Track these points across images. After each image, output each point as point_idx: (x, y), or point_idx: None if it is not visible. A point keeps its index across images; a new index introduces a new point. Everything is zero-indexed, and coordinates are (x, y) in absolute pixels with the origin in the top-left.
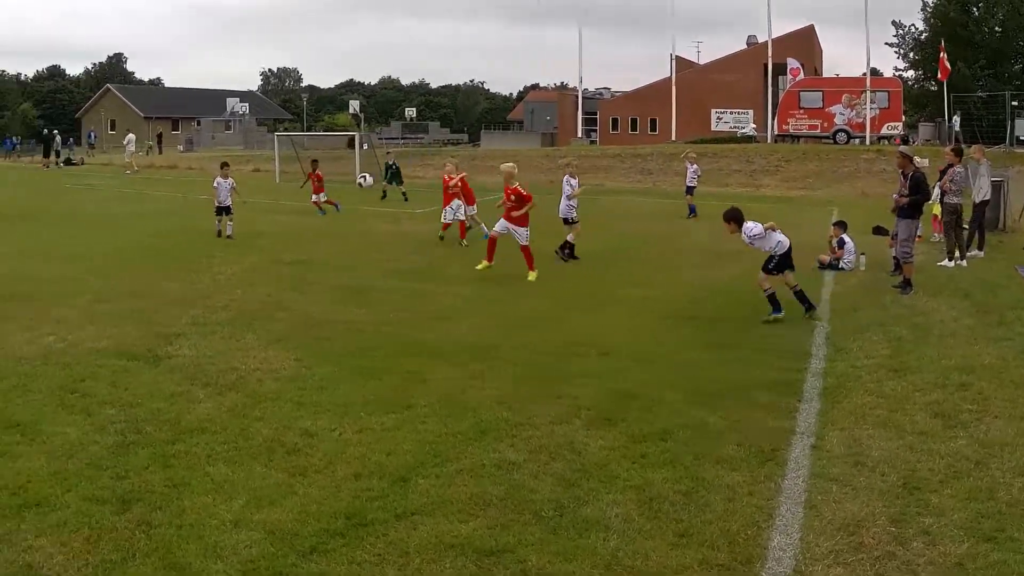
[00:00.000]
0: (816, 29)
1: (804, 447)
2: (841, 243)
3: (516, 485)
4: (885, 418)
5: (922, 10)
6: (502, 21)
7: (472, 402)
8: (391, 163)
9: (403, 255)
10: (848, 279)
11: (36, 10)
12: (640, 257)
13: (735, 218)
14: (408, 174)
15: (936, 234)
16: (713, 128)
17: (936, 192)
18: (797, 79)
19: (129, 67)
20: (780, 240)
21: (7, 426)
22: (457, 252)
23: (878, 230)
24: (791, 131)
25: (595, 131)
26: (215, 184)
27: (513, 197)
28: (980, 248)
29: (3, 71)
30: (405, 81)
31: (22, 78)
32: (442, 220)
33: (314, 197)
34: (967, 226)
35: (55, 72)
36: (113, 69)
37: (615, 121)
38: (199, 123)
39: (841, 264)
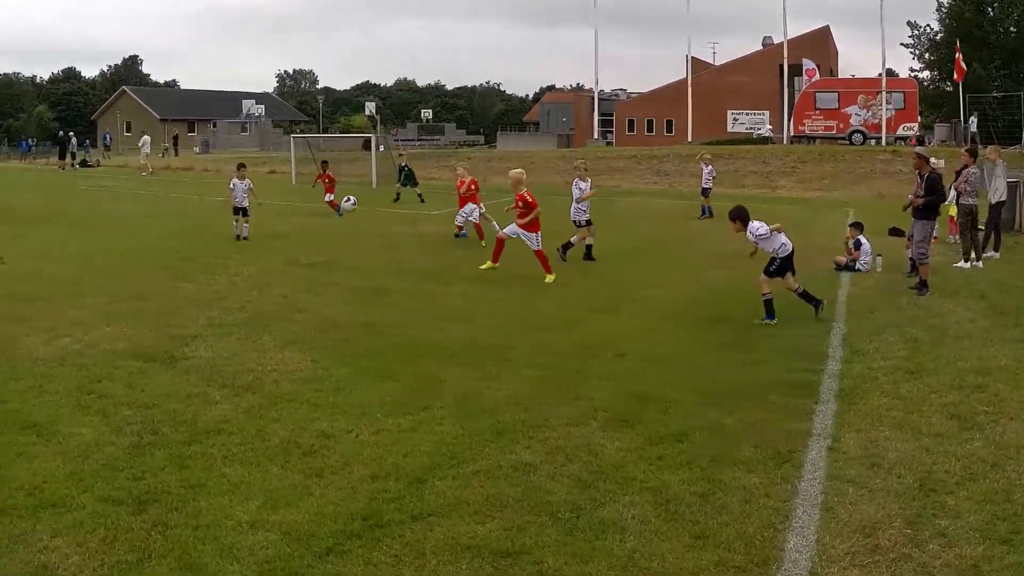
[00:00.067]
0: (832, 30)
1: (821, 449)
2: (857, 244)
3: (533, 486)
4: (901, 420)
5: (937, 10)
6: (518, 22)
7: (489, 403)
8: (404, 165)
9: (420, 257)
10: (864, 280)
11: (52, 13)
12: (657, 258)
13: (740, 216)
14: (425, 176)
15: (952, 235)
16: (729, 129)
17: (952, 194)
18: (813, 80)
19: (145, 69)
20: (784, 242)
21: (23, 427)
22: (474, 254)
23: (894, 231)
24: (807, 132)
25: (611, 132)
26: (231, 185)
27: (520, 204)
28: (996, 249)
29: (18, 73)
30: (421, 82)
31: (37, 80)
32: (455, 222)
33: (332, 197)
34: (983, 227)
35: (71, 74)
36: (129, 71)
37: (631, 122)
38: (215, 125)
39: (857, 265)
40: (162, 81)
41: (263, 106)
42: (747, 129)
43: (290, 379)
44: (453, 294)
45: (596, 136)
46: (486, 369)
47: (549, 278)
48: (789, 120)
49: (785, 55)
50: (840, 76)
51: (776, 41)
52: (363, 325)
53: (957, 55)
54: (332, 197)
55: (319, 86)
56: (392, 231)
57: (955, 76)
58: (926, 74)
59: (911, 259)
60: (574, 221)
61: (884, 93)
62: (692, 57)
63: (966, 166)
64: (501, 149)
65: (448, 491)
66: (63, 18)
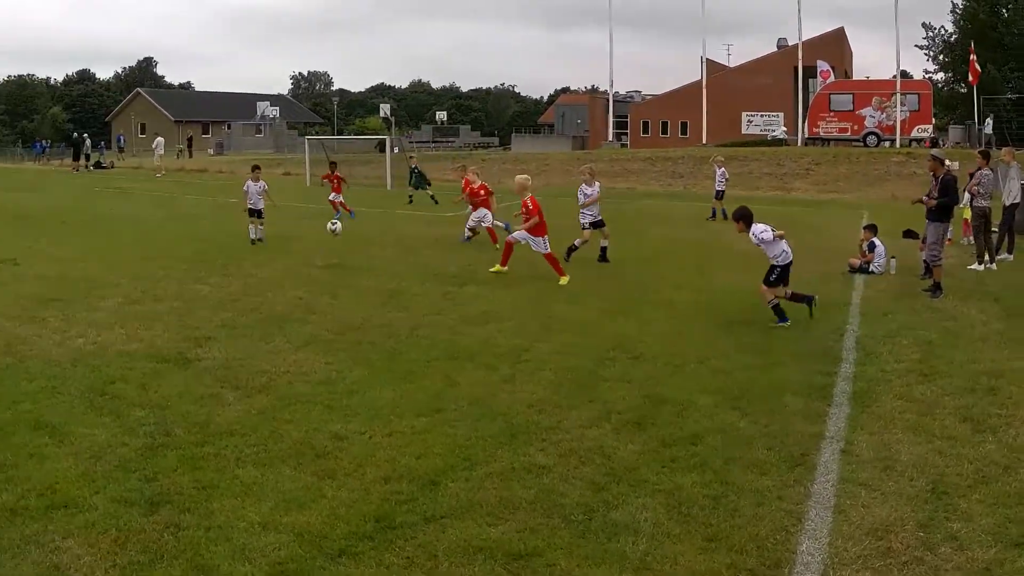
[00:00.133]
0: (846, 31)
1: (834, 451)
2: (872, 247)
3: (546, 489)
4: (914, 422)
5: (952, 12)
6: (533, 24)
7: (502, 406)
8: (414, 167)
9: (435, 258)
10: (878, 283)
11: (66, 14)
12: (671, 261)
13: (744, 217)
14: (440, 178)
15: (965, 237)
16: (744, 131)
17: (966, 196)
18: (827, 82)
19: (159, 71)
20: (785, 250)
21: (36, 427)
22: (489, 256)
23: (908, 234)
24: (821, 134)
25: (626, 134)
26: (245, 188)
27: (523, 210)
28: (1009, 251)
29: (32, 75)
30: (436, 84)
31: (51, 82)
32: (467, 225)
33: (339, 197)
34: (996, 229)
35: (85, 76)
36: (143, 73)
37: (646, 124)
38: (229, 127)
39: (872, 268)
40: (176, 83)
41: (278, 108)
42: (761, 131)
43: (304, 381)
44: (468, 296)
45: (611, 138)
46: (500, 371)
47: (563, 280)
48: (803, 122)
49: (800, 57)
50: (855, 78)
51: (791, 43)
52: (378, 327)
53: (972, 57)
54: (340, 198)
55: (334, 88)
56: (407, 233)
57: (971, 79)
58: (940, 76)
59: (925, 261)
60: (582, 224)
61: (898, 95)
62: (707, 59)
63: (980, 168)
64: (516, 151)
65: (461, 493)
66: (77, 20)
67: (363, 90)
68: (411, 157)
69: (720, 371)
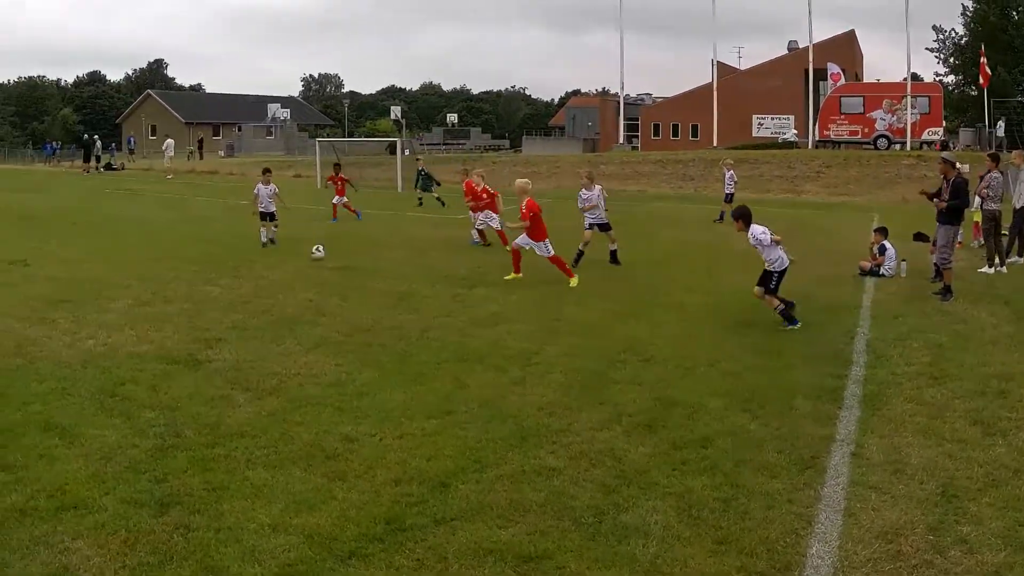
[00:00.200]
0: (857, 34)
1: (844, 454)
2: (882, 249)
3: (556, 491)
4: (924, 426)
5: (962, 14)
6: (544, 27)
7: (513, 408)
8: (421, 170)
9: (445, 261)
10: (889, 286)
11: (76, 16)
12: (682, 263)
13: (744, 216)
14: (450, 180)
15: (976, 240)
16: (754, 134)
17: (976, 199)
18: (838, 84)
19: (170, 73)
20: (781, 256)
21: (46, 429)
22: (499, 258)
23: (919, 237)
24: (832, 137)
25: (637, 137)
26: (256, 191)
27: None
28: (1020, 254)
29: (43, 77)
30: (446, 87)
31: (62, 84)
32: (476, 227)
33: (343, 200)
34: (1006, 232)
35: (95, 78)
36: (154, 75)
37: (656, 127)
38: (240, 129)
39: (882, 271)
40: (187, 85)
41: (288, 110)
42: (772, 134)
43: (314, 383)
44: (478, 298)
45: (622, 140)
46: (511, 373)
47: (572, 282)
48: (814, 125)
49: (810, 59)
50: (865, 80)
51: (801, 45)
52: (388, 329)
53: (982, 60)
54: (344, 200)
55: (344, 90)
56: (416, 235)
57: (981, 82)
58: (951, 78)
59: (935, 264)
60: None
61: (909, 97)
62: (717, 61)
63: (989, 171)
64: (527, 153)
65: (471, 495)
66: (88, 21)
67: (374, 92)
68: (418, 159)
69: (730, 374)
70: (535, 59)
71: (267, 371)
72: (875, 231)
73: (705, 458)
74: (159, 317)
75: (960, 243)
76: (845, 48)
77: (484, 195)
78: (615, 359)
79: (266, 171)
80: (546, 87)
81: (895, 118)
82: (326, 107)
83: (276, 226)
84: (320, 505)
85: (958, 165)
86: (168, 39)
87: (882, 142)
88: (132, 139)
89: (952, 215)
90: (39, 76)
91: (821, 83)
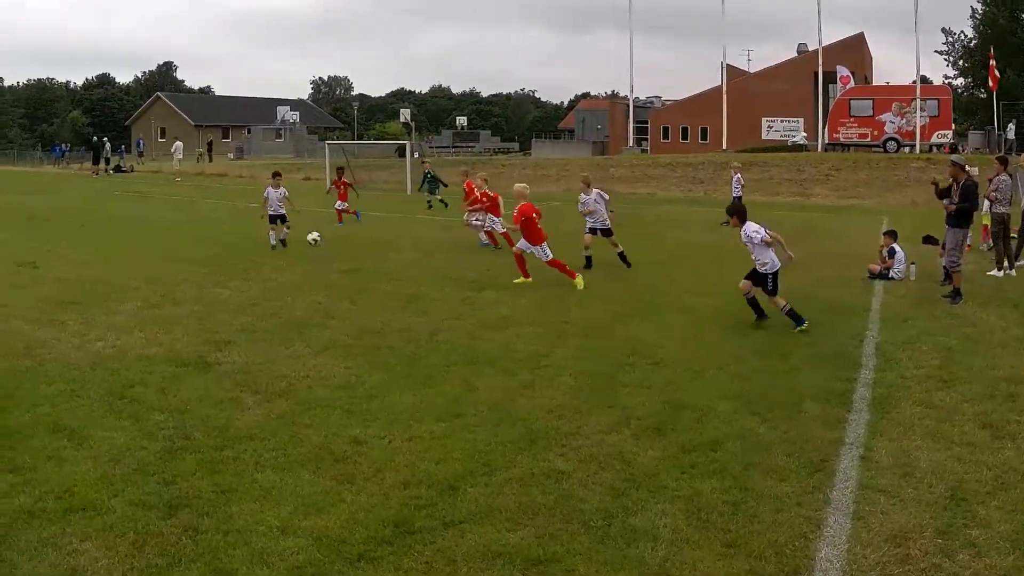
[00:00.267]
0: (866, 37)
1: (853, 458)
2: (891, 253)
3: (565, 494)
4: (933, 429)
5: (971, 17)
6: (553, 29)
7: (522, 411)
8: (427, 172)
9: (454, 263)
10: (898, 289)
11: (85, 18)
12: (692, 266)
13: (738, 212)
14: (458, 183)
15: (985, 243)
16: (764, 137)
17: (986, 203)
18: (847, 87)
19: (179, 75)
20: (772, 259)
21: (55, 431)
22: (508, 260)
23: (928, 240)
24: (841, 140)
25: (646, 140)
26: (265, 194)
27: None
28: None
29: (52, 79)
30: (456, 90)
31: (71, 86)
32: (485, 230)
33: (345, 205)
34: (1015, 235)
35: (104, 80)
36: (163, 77)
37: (666, 129)
38: (249, 131)
39: (891, 274)
40: (196, 87)
41: (298, 112)
42: (782, 136)
43: (323, 385)
44: (487, 301)
45: (631, 143)
46: (519, 376)
47: (578, 283)
48: (823, 127)
49: (820, 62)
50: (874, 83)
51: (811, 48)
52: (397, 332)
53: (991, 62)
54: (345, 205)
55: (354, 93)
56: (425, 237)
57: (989, 84)
58: (960, 81)
59: (944, 267)
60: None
61: (918, 100)
62: (727, 64)
63: (997, 174)
64: (536, 156)
65: (480, 498)
66: (97, 23)
67: (383, 95)
68: (423, 162)
69: (739, 376)
70: (545, 62)
71: (276, 374)
72: (884, 234)
73: (714, 461)
74: (168, 319)
75: (969, 246)
76: (854, 51)
77: (484, 198)
78: (624, 362)
79: (276, 174)
80: (556, 90)
81: (904, 121)
82: (336, 110)
83: (288, 227)
84: (329, 508)
85: (967, 168)
86: (178, 42)
87: (891, 145)
88: (141, 141)
89: (961, 218)
90: (48, 78)
91: (830, 86)
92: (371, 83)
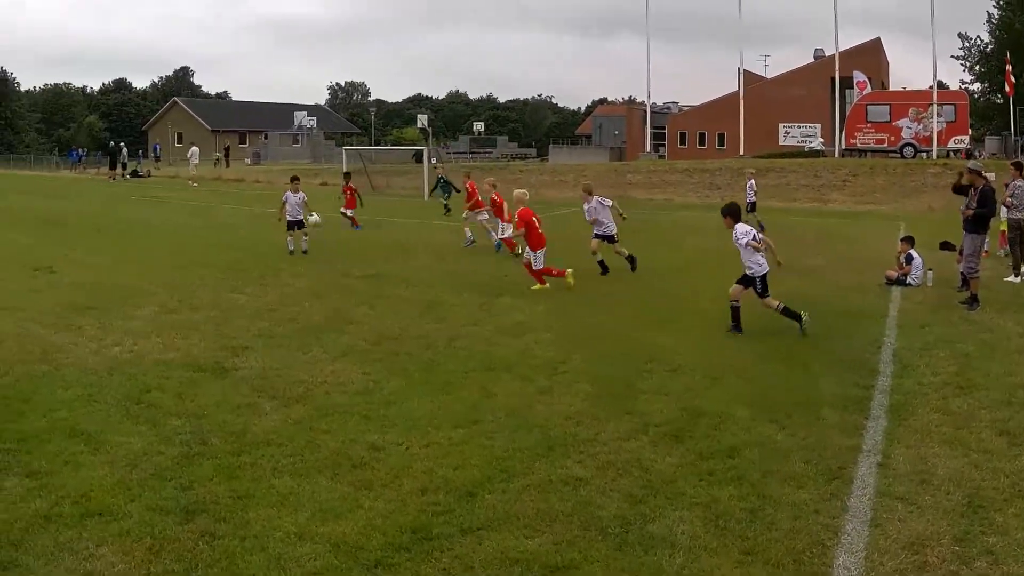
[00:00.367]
0: (883, 42)
1: (870, 465)
2: (909, 259)
3: (583, 501)
4: (951, 436)
5: (987, 22)
6: (570, 36)
7: (540, 417)
8: (440, 177)
9: (471, 269)
10: (915, 295)
11: (102, 23)
12: (709, 272)
13: (731, 213)
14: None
15: (1002, 249)
16: (781, 142)
17: (1003, 210)
18: (864, 92)
19: (196, 80)
20: (761, 262)
21: (72, 435)
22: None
23: (945, 246)
24: (858, 145)
25: (663, 145)
26: (284, 198)
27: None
28: None
29: (68, 84)
30: (473, 95)
31: (88, 91)
32: (497, 235)
33: (347, 211)
34: None
35: (121, 85)
36: (180, 82)
37: (683, 135)
38: (266, 136)
39: (908, 280)
40: (213, 92)
41: (315, 118)
42: (799, 142)
43: (341, 391)
44: (504, 307)
45: (648, 149)
46: (537, 383)
47: (568, 278)
48: (840, 133)
49: (836, 67)
50: (891, 88)
51: (828, 53)
52: (415, 338)
53: (1007, 67)
54: (351, 213)
55: (371, 98)
56: (442, 243)
57: (1006, 89)
58: (976, 86)
59: (962, 273)
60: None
61: (935, 106)
62: (744, 70)
63: (1013, 179)
64: (553, 162)
65: (498, 505)
66: (113, 29)
67: (400, 100)
68: (436, 168)
69: (757, 383)
70: (562, 68)
71: (294, 379)
72: (901, 240)
73: (732, 468)
74: (185, 325)
75: (986, 252)
76: (871, 56)
77: (492, 203)
78: (641, 368)
79: (294, 179)
80: (573, 96)
81: (921, 126)
82: (353, 115)
83: (306, 235)
84: (346, 514)
85: (984, 174)
86: (195, 46)
87: (908, 150)
88: (158, 146)
89: (979, 223)
90: (65, 83)
91: (847, 91)
92: (388, 88)
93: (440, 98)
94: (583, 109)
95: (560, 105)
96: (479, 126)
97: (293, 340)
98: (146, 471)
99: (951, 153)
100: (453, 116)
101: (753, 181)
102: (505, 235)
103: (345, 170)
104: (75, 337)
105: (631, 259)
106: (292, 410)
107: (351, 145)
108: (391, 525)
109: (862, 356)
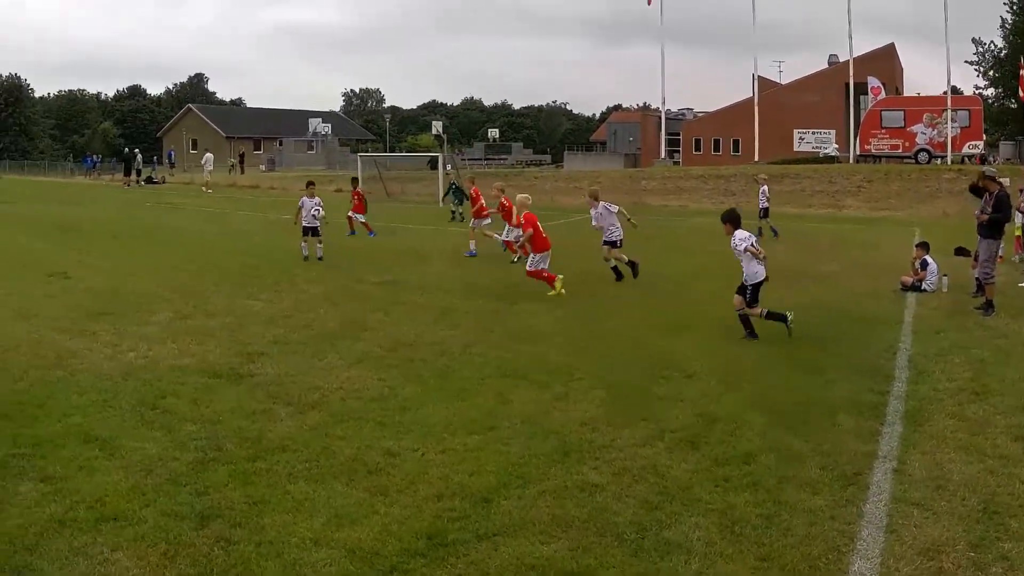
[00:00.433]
0: (896, 47)
1: (886, 471)
2: (924, 264)
3: (599, 507)
4: (966, 442)
5: (1000, 27)
6: (585, 42)
7: (555, 424)
8: (452, 183)
9: (486, 275)
10: (930, 301)
11: (116, 30)
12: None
13: (731, 220)
14: (491, 195)
15: (1017, 254)
16: (795, 148)
17: (1018, 215)
18: (878, 98)
19: (210, 87)
20: (758, 271)
21: (87, 440)
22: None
23: (960, 251)
24: (873, 151)
25: (678, 152)
26: (300, 203)
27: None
28: None
29: (83, 90)
30: (487, 102)
31: (102, 97)
32: (508, 239)
33: (354, 215)
34: None
35: (136, 91)
36: (194, 89)
37: (698, 142)
38: (281, 143)
39: (924, 286)
40: (228, 99)
41: (329, 124)
42: (813, 148)
43: (356, 397)
44: (520, 313)
45: (663, 156)
46: (553, 389)
47: (557, 286)
48: (855, 139)
49: (851, 73)
50: (905, 94)
51: (842, 59)
52: (430, 344)
53: (1021, 72)
54: (363, 218)
55: (386, 105)
56: (458, 249)
57: (1020, 94)
58: (990, 91)
59: (977, 279)
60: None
61: (949, 111)
62: (758, 76)
63: None
64: (568, 169)
65: (514, 511)
66: (128, 35)
67: (415, 107)
68: (448, 174)
69: (772, 389)
70: (576, 74)
71: (309, 385)
72: (916, 246)
73: (748, 474)
74: (200, 330)
75: (1001, 257)
76: (885, 61)
77: (500, 208)
78: (657, 374)
79: (310, 184)
80: (587, 102)
81: (936, 132)
82: (367, 122)
83: (321, 242)
84: (362, 520)
85: (998, 179)
86: (209, 53)
87: (923, 156)
88: (172, 153)
89: (994, 229)
90: (79, 90)
91: (862, 97)
92: (403, 95)
93: (455, 105)
94: (598, 116)
95: (575, 112)
96: (494, 133)
97: (308, 346)
98: (161, 476)
99: (965, 159)
100: (468, 123)
101: (766, 187)
102: (509, 237)
103: (353, 176)
104: (90, 343)
105: (632, 264)
106: (307, 416)
107: (366, 152)
108: (407, 531)
109: (877, 362)
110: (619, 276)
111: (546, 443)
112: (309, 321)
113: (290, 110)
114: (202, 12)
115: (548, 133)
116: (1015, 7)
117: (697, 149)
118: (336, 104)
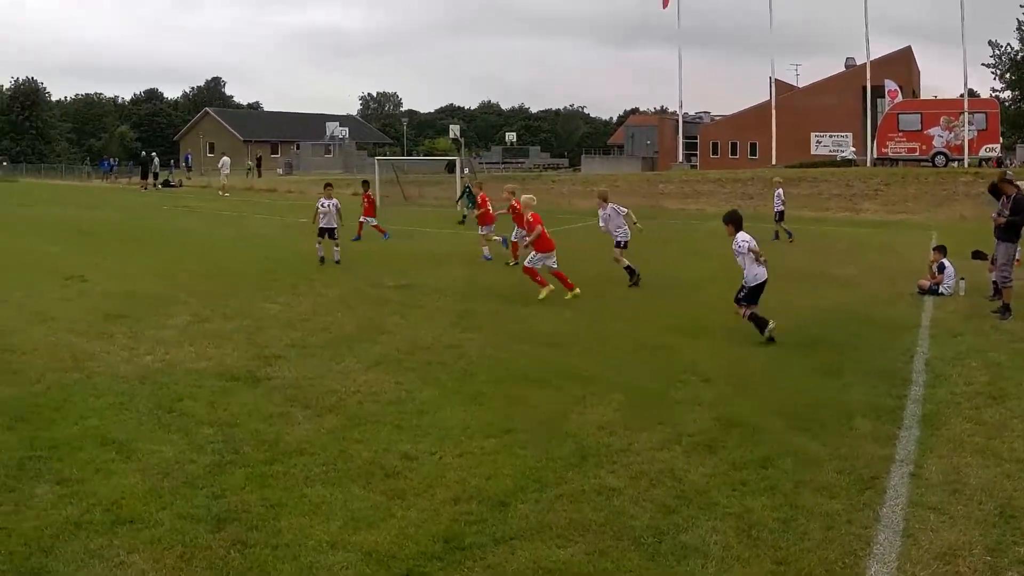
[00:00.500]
0: (913, 50)
1: (903, 475)
2: (941, 268)
3: (616, 511)
4: (983, 446)
5: (1017, 29)
6: (601, 45)
7: (573, 427)
8: (467, 186)
9: (502, 279)
10: (947, 304)
11: (133, 34)
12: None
13: (733, 221)
14: (502, 198)
15: None
16: (812, 152)
17: None
18: (895, 101)
19: (227, 91)
20: (758, 274)
21: (103, 443)
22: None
23: (977, 255)
24: (890, 154)
25: (695, 155)
26: (319, 204)
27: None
28: None
29: (100, 94)
30: (505, 105)
31: (119, 101)
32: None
33: (362, 219)
34: None
35: (153, 95)
36: (211, 92)
37: (715, 145)
38: (298, 147)
39: (941, 289)
40: (245, 103)
41: (347, 128)
42: (831, 151)
43: (374, 401)
44: (537, 317)
45: (680, 159)
46: (570, 393)
47: (542, 293)
48: (872, 142)
49: (868, 76)
50: (922, 97)
51: (859, 62)
52: (447, 348)
53: None
54: (376, 221)
55: (403, 109)
56: (475, 253)
57: None
58: (1007, 94)
59: (994, 282)
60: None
61: (966, 114)
62: (775, 79)
63: None
64: (586, 172)
65: (531, 515)
66: (145, 39)
67: (432, 111)
68: (464, 177)
69: (789, 393)
70: (593, 77)
71: (326, 388)
72: (934, 249)
73: (765, 478)
74: (218, 334)
75: (1018, 261)
76: (902, 65)
77: (511, 210)
78: (674, 378)
79: (328, 185)
80: (604, 106)
81: (952, 135)
82: (385, 125)
83: (337, 245)
84: (379, 523)
85: (1015, 182)
86: (226, 57)
87: (940, 159)
88: (189, 156)
89: (1011, 231)
90: (96, 93)
91: (879, 100)
92: (420, 99)
93: (472, 108)
94: (615, 119)
95: (592, 115)
96: (511, 136)
97: (326, 350)
98: (178, 479)
99: (982, 162)
100: (485, 126)
101: (781, 190)
102: (517, 239)
103: (364, 179)
104: (107, 345)
105: (631, 271)
106: (325, 419)
107: (383, 155)
108: (423, 534)
109: (894, 366)
110: (632, 275)
111: (563, 447)
112: (326, 324)
113: (307, 114)
114: (219, 16)
115: (565, 137)
116: None
117: (714, 152)
118: (353, 108)
